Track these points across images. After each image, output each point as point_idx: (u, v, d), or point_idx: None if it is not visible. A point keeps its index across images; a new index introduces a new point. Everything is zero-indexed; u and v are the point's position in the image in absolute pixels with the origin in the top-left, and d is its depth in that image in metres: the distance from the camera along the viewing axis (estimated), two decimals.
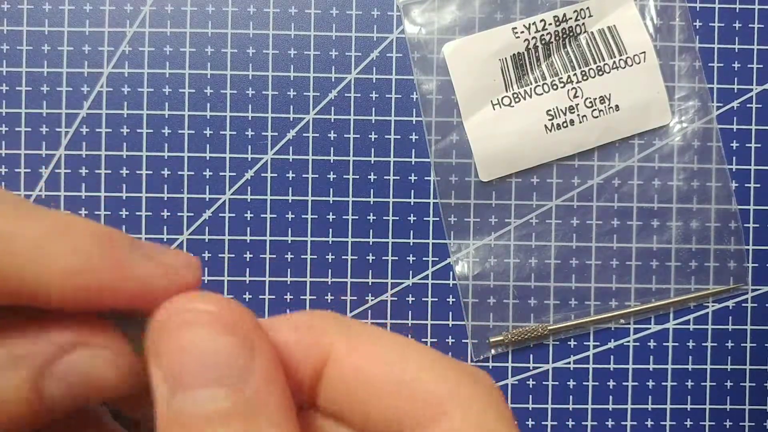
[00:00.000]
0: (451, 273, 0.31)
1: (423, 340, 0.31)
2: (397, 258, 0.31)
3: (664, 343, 0.31)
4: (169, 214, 0.30)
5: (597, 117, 0.31)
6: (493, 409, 0.15)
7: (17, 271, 0.15)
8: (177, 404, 0.14)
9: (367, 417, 0.15)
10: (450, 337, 0.31)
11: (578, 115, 0.31)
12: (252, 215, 0.31)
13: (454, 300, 0.31)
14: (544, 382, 0.31)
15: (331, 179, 0.31)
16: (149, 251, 0.17)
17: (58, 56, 0.30)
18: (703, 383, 0.31)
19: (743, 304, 0.31)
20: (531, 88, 0.31)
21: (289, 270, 0.31)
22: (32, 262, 0.15)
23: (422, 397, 0.15)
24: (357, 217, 0.31)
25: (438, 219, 0.31)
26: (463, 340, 0.31)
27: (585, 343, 0.31)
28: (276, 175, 0.31)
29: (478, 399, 0.15)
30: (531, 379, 0.31)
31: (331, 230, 0.31)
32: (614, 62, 0.31)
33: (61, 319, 0.16)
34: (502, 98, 0.31)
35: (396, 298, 0.31)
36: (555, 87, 0.31)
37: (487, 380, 0.16)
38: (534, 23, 0.31)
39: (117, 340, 0.16)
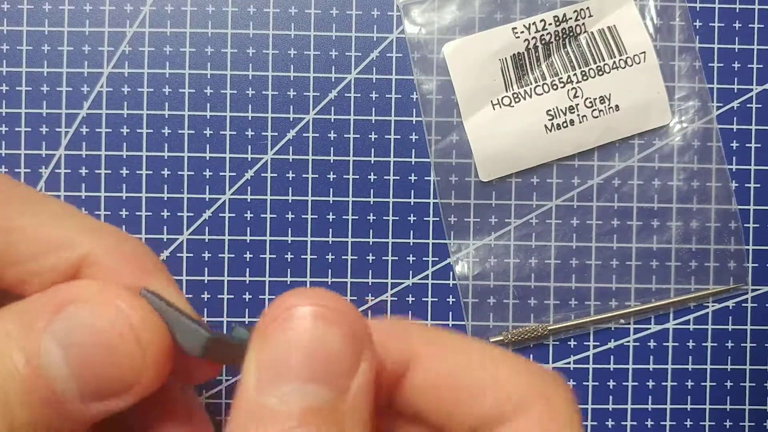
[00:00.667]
0: (451, 273, 0.31)
1: None
2: (397, 258, 0.31)
3: (664, 343, 0.31)
4: (169, 214, 0.31)
5: (597, 117, 0.31)
6: (568, 405, 0.15)
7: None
8: (264, 396, 0.13)
9: (450, 417, 0.15)
10: None
11: (578, 115, 0.31)
12: (252, 215, 0.31)
13: (454, 300, 0.31)
14: None
15: (331, 179, 0.31)
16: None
17: (58, 56, 0.30)
18: (703, 383, 0.31)
19: (743, 304, 0.31)
20: (531, 88, 0.31)
21: (289, 270, 0.31)
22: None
23: (507, 395, 0.15)
24: (357, 217, 0.31)
25: (438, 219, 0.31)
26: None
27: (585, 343, 0.31)
28: (276, 175, 0.31)
29: (556, 396, 0.15)
30: None
31: (331, 230, 0.31)
32: (614, 62, 0.31)
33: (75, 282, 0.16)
34: (502, 98, 0.31)
35: (396, 298, 0.31)
36: (555, 87, 0.31)
37: (562, 381, 0.16)
38: (534, 23, 0.31)
39: (142, 308, 0.15)
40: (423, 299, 0.31)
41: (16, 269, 0.16)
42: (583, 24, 0.31)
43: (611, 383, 0.31)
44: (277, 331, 0.14)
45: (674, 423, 0.31)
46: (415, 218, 0.31)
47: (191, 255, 0.30)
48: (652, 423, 0.31)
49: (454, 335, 0.16)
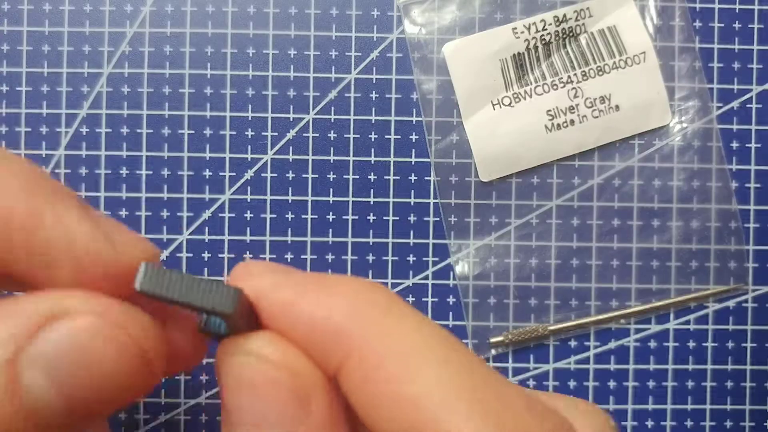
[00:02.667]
0: (452, 273, 0.31)
1: None
2: (397, 258, 0.31)
3: (665, 344, 0.31)
4: (168, 214, 0.30)
5: (597, 117, 0.31)
6: None
7: None
8: None
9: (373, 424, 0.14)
10: None
11: (578, 115, 0.31)
12: (252, 215, 0.31)
13: (454, 300, 0.31)
14: (544, 383, 0.31)
15: (331, 179, 0.31)
16: (104, 223, 0.14)
17: (58, 56, 0.30)
18: (703, 383, 0.31)
19: (743, 304, 0.31)
20: (531, 88, 0.31)
21: None
22: None
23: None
24: (357, 217, 0.31)
25: (438, 219, 0.31)
26: (464, 341, 0.31)
27: (585, 344, 0.31)
28: (276, 175, 0.31)
29: None
30: (531, 380, 0.31)
31: (331, 230, 0.31)
32: (614, 62, 0.31)
33: (42, 293, 0.13)
34: (502, 98, 0.31)
35: None
36: (555, 87, 0.31)
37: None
38: (534, 23, 0.31)
39: (126, 310, 0.13)
40: (423, 299, 0.31)
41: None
42: (583, 24, 0.31)
43: (612, 383, 0.31)
44: (223, 376, 0.14)
45: (675, 423, 0.31)
46: (415, 218, 0.31)
47: (191, 255, 0.30)
48: (653, 423, 0.31)
49: (406, 324, 0.14)
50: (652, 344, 0.31)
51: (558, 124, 0.31)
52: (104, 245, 0.14)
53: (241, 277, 0.15)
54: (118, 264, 0.14)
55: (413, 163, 0.31)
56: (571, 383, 0.31)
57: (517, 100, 0.31)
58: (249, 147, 0.31)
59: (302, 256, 0.31)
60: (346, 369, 0.14)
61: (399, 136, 0.31)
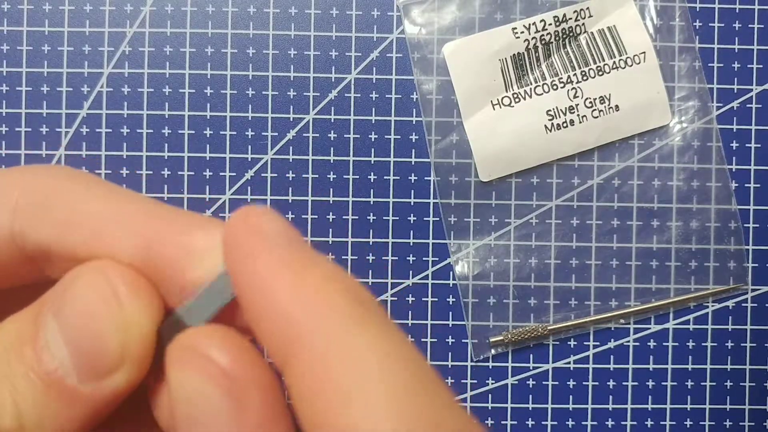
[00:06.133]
0: (451, 273, 0.31)
1: (423, 340, 0.31)
2: (397, 258, 0.31)
3: (664, 343, 0.31)
4: None
5: (597, 117, 0.31)
6: None
7: None
8: None
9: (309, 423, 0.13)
10: (450, 337, 0.31)
11: (578, 115, 0.31)
12: None
13: (454, 300, 0.31)
14: (544, 382, 0.31)
15: (331, 179, 0.31)
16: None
17: (58, 56, 0.30)
18: (702, 383, 0.31)
19: (743, 304, 0.31)
20: (531, 88, 0.31)
21: None
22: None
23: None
24: (357, 217, 0.31)
25: (438, 219, 0.31)
26: (463, 340, 0.31)
27: (585, 343, 0.31)
28: (276, 175, 0.31)
29: None
30: (531, 379, 0.31)
31: (331, 230, 0.31)
32: (614, 62, 0.31)
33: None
34: (502, 98, 0.31)
35: (396, 298, 0.31)
36: (555, 87, 0.31)
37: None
38: (534, 23, 0.31)
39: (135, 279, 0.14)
40: (423, 299, 0.31)
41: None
42: (583, 24, 0.31)
43: (611, 383, 0.31)
44: (166, 374, 0.14)
45: (674, 423, 0.31)
46: (415, 218, 0.31)
47: None
48: (652, 423, 0.31)
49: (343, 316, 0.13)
50: (652, 344, 0.31)
51: (558, 124, 0.31)
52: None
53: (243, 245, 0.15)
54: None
55: (413, 163, 0.31)
56: (571, 383, 0.31)
57: (516, 100, 0.31)
58: (249, 147, 0.31)
59: None
60: (290, 364, 0.14)
61: (399, 136, 0.31)
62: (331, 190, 0.31)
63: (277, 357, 0.14)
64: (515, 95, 0.31)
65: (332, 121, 0.31)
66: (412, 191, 0.31)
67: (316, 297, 0.13)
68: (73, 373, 0.14)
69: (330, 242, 0.31)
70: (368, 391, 0.13)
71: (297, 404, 0.14)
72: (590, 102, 0.31)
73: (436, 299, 0.31)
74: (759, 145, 0.31)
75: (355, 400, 0.12)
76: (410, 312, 0.31)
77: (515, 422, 0.31)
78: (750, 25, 0.31)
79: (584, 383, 0.31)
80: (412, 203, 0.31)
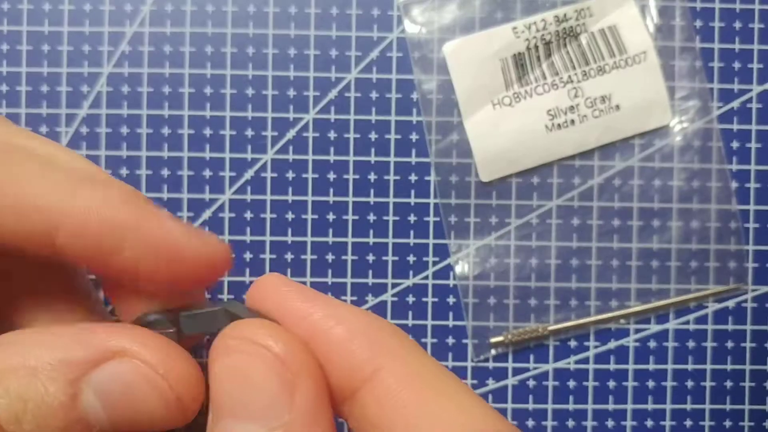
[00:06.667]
0: (452, 273, 0.31)
1: (423, 340, 0.31)
2: (397, 258, 0.31)
3: (664, 343, 0.31)
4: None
5: (597, 117, 0.31)
6: None
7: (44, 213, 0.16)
8: (215, 429, 0.14)
9: None
10: (450, 337, 0.31)
11: (579, 114, 0.31)
12: (252, 215, 0.31)
13: (454, 300, 0.31)
14: (544, 383, 0.31)
15: (331, 179, 0.31)
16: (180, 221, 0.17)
17: (58, 56, 0.30)
18: (702, 383, 0.31)
19: (743, 304, 0.31)
20: (531, 88, 0.31)
21: (289, 270, 0.31)
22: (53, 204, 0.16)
23: None
24: (357, 217, 0.31)
25: (438, 219, 0.31)
26: (464, 341, 0.31)
27: (585, 344, 0.31)
28: (276, 175, 0.31)
29: None
30: (531, 380, 0.31)
31: (331, 230, 0.31)
32: (615, 62, 0.31)
33: (108, 327, 0.16)
34: (503, 98, 0.31)
35: (396, 299, 0.31)
36: (555, 87, 0.31)
37: None
38: (534, 23, 0.31)
39: (168, 355, 0.15)
40: (423, 299, 0.31)
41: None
42: (584, 24, 0.31)
43: (611, 383, 0.31)
44: (211, 364, 0.15)
45: (674, 423, 0.31)
46: (415, 218, 0.31)
47: None
48: (653, 423, 0.31)
49: (421, 354, 0.15)
50: (652, 344, 0.31)
51: (558, 124, 0.31)
52: (197, 239, 0.17)
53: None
54: (205, 255, 0.17)
55: (413, 163, 0.31)
56: (571, 383, 0.31)
57: (517, 99, 0.31)
58: (249, 147, 0.31)
59: (302, 256, 0.31)
60: (363, 391, 0.14)
61: (399, 136, 0.31)
62: (331, 190, 0.31)
63: (348, 383, 0.15)
64: (516, 95, 0.31)
65: (332, 120, 0.31)
66: (412, 191, 0.31)
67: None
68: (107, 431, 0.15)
69: (330, 242, 0.31)
70: None
71: (369, 425, 0.14)
72: (591, 102, 0.31)
73: (436, 299, 0.31)
74: (759, 145, 0.31)
75: None
76: (410, 312, 0.31)
77: (515, 422, 0.31)
78: (750, 25, 0.31)
79: (584, 383, 0.31)
80: (412, 203, 0.31)
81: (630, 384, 0.31)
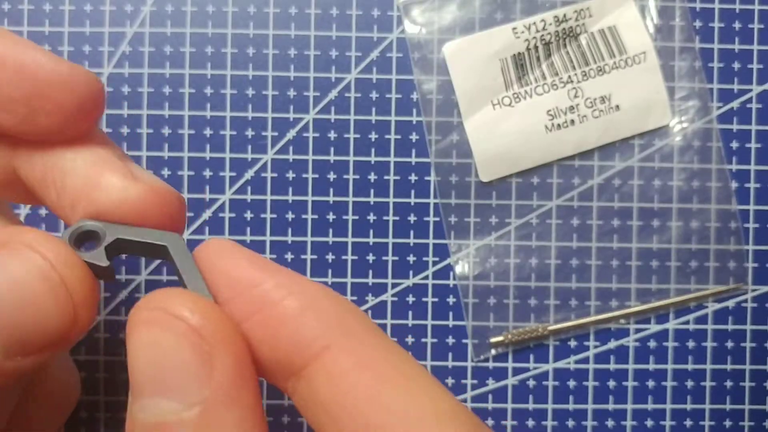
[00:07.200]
0: (452, 273, 0.31)
1: (423, 340, 0.31)
2: (397, 258, 0.31)
3: (664, 343, 0.31)
4: None
5: (597, 117, 0.31)
6: None
7: None
8: (132, 409, 0.13)
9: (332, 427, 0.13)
10: (450, 337, 0.31)
11: (579, 115, 0.31)
12: (252, 215, 0.31)
13: (454, 300, 0.31)
14: (544, 383, 0.31)
15: (331, 179, 0.31)
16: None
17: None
18: (702, 383, 0.31)
19: (743, 304, 0.31)
20: (531, 88, 0.31)
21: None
22: None
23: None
24: (357, 217, 0.31)
25: (438, 219, 0.31)
26: (464, 341, 0.31)
27: (585, 344, 0.31)
28: (276, 175, 0.31)
29: None
30: (531, 380, 0.31)
31: (331, 230, 0.31)
32: (614, 62, 0.31)
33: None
34: (503, 98, 0.31)
35: (396, 299, 0.31)
36: (555, 87, 0.31)
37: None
38: (534, 23, 0.31)
39: (68, 254, 0.14)
40: (423, 299, 0.31)
41: None
42: (584, 24, 0.31)
43: (611, 383, 0.31)
44: (127, 339, 0.13)
45: (674, 423, 0.31)
46: (415, 218, 0.31)
47: None
48: (653, 423, 0.31)
49: (378, 334, 0.14)
50: (652, 344, 0.31)
51: (558, 124, 0.31)
52: (59, 63, 0.16)
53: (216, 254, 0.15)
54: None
55: (413, 163, 0.31)
56: (571, 383, 0.31)
57: (517, 100, 0.31)
58: (249, 147, 0.31)
59: (302, 256, 0.31)
60: (311, 368, 0.13)
61: (399, 136, 0.31)
62: (331, 190, 0.31)
63: (295, 359, 0.14)
64: (515, 95, 0.31)
65: (332, 121, 0.31)
66: (412, 191, 0.31)
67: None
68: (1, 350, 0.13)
69: (330, 242, 0.31)
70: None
71: (317, 403, 0.13)
72: (591, 102, 0.31)
73: (436, 299, 0.31)
74: (759, 145, 0.31)
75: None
76: (410, 312, 0.31)
77: (515, 422, 0.31)
78: (750, 25, 0.31)
79: (584, 383, 0.31)
80: (412, 203, 0.31)
81: (630, 384, 0.31)
